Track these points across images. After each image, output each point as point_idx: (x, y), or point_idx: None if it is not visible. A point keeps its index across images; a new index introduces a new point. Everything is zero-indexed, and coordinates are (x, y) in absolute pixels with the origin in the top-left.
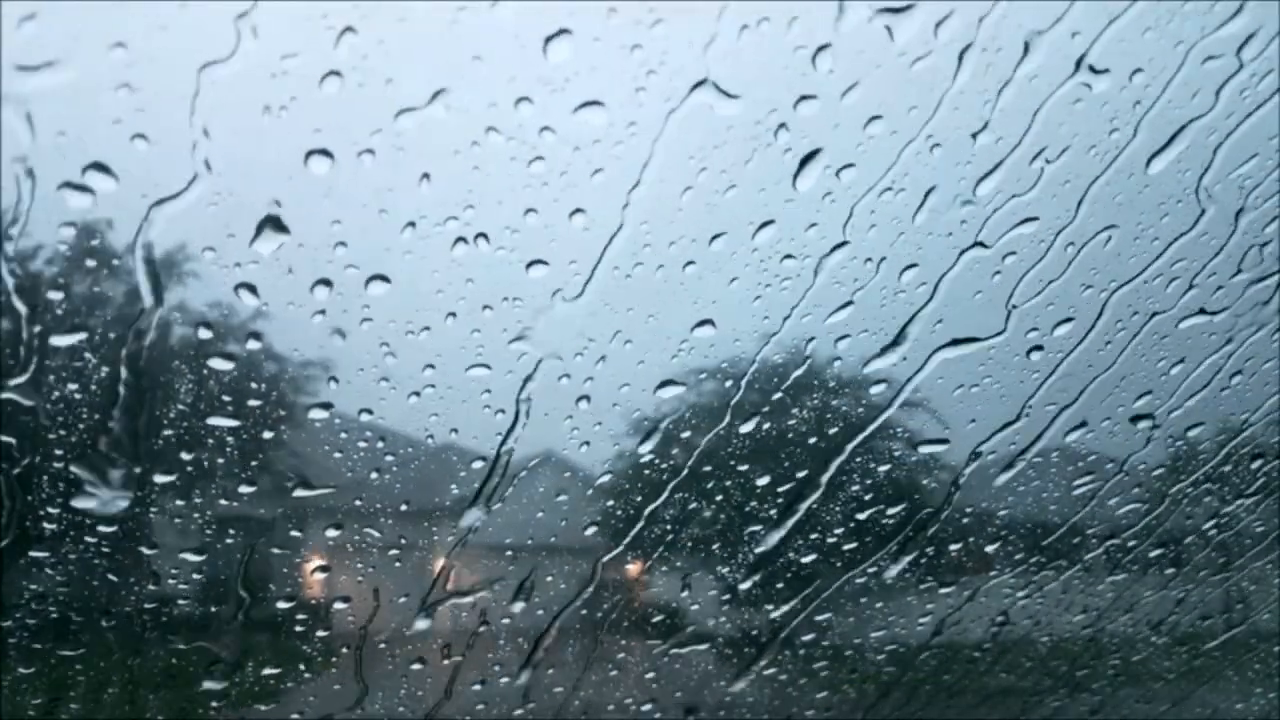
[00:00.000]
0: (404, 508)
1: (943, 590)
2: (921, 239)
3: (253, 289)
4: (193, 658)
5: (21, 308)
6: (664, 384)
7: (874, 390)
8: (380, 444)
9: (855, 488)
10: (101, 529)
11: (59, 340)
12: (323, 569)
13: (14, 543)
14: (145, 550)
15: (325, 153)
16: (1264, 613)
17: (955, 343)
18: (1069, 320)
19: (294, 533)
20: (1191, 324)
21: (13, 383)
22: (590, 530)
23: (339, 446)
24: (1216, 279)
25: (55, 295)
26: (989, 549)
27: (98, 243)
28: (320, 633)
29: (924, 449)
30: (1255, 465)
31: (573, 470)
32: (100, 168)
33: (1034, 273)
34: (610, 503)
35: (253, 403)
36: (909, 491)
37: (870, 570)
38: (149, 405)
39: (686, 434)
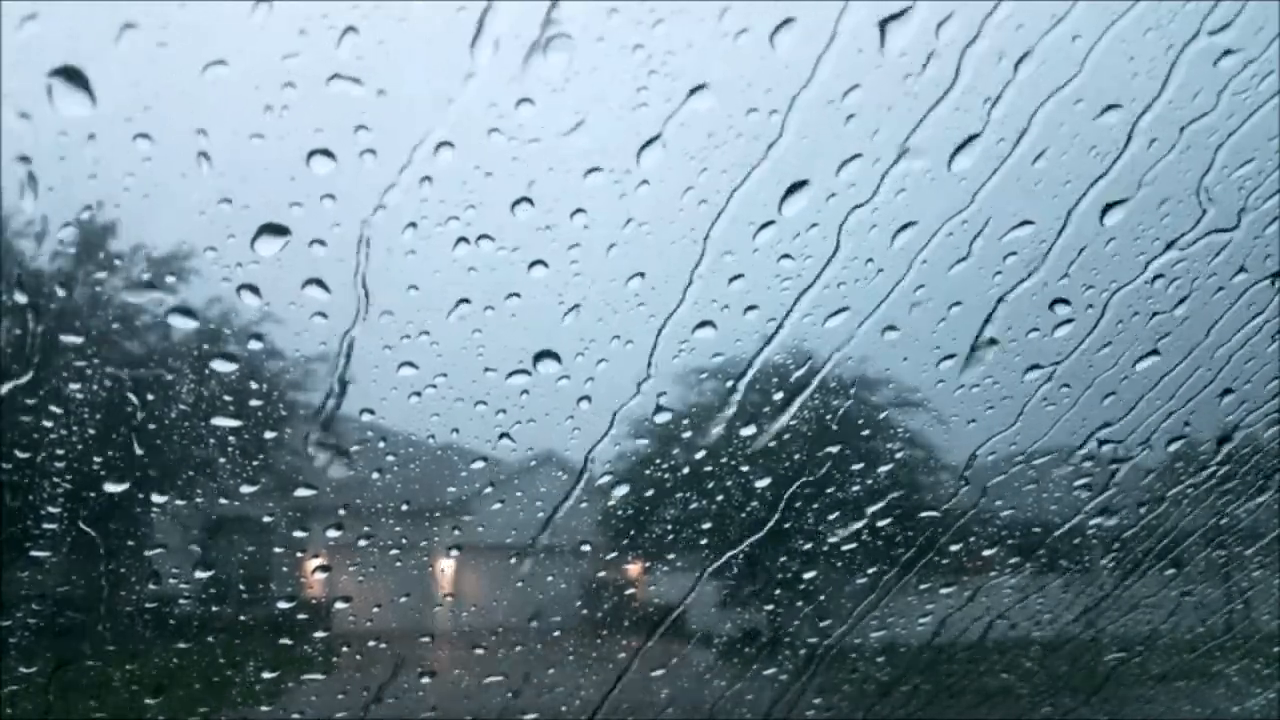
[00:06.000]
0: (404, 508)
1: (943, 590)
2: (922, 240)
3: (254, 289)
4: (193, 658)
5: (24, 307)
6: (664, 385)
7: (874, 390)
8: (381, 444)
9: (856, 488)
10: (102, 529)
11: (60, 340)
12: (323, 569)
13: (14, 543)
14: (145, 550)
15: (327, 153)
16: (1264, 613)
17: (955, 345)
18: (1069, 321)
19: (294, 533)
20: (1192, 325)
21: (13, 383)
22: (590, 530)
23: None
24: (1217, 279)
25: (56, 295)
26: (989, 549)
27: (98, 242)
28: (320, 633)
29: (923, 450)
30: (1255, 465)
31: (573, 470)
32: (101, 167)
33: (1034, 273)
34: (610, 503)
35: (254, 403)
36: (909, 492)
37: (870, 570)
38: (150, 405)
39: (687, 434)
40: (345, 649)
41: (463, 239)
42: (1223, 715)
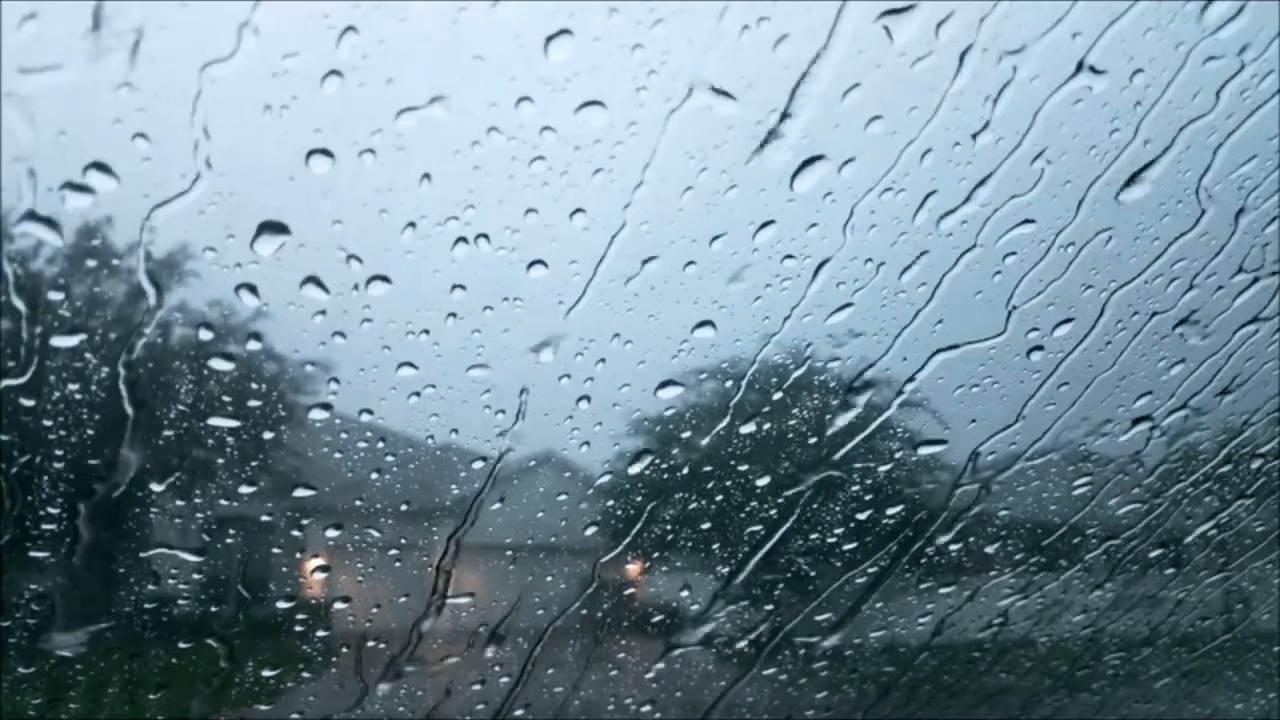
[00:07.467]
0: (404, 508)
1: (943, 590)
2: (921, 239)
3: (253, 289)
4: (193, 658)
5: (22, 308)
6: (664, 384)
7: (874, 390)
8: (380, 444)
9: (855, 488)
10: (101, 529)
11: (59, 340)
12: (323, 569)
13: (14, 543)
14: (145, 550)
15: (326, 152)
16: (1264, 613)
17: (955, 344)
18: (1069, 320)
19: (294, 533)
20: (1191, 324)
21: (13, 383)
22: (590, 530)
23: (339, 447)
24: (1216, 279)
25: (55, 295)
26: (989, 549)
27: (98, 243)
28: (320, 633)
29: (924, 449)
30: (1255, 465)
31: (573, 470)
32: (100, 168)
33: (1034, 273)
34: (610, 503)
35: (253, 403)
36: (909, 491)
37: (870, 570)
38: (149, 405)
39: (686, 434)
40: (345, 649)
41: (462, 239)
42: (1223, 715)
